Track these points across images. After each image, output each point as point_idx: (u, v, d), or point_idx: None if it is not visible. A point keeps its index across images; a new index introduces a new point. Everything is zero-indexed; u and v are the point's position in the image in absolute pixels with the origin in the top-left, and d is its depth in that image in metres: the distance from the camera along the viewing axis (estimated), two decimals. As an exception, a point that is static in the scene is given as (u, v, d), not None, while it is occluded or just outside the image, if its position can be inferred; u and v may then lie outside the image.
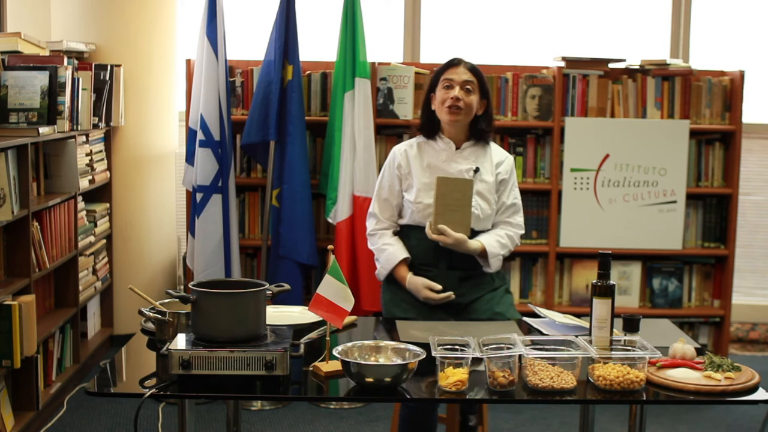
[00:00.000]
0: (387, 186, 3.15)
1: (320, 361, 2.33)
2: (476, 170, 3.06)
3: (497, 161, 3.13)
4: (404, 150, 3.14)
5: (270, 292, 2.34)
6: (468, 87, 3.02)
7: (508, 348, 2.24)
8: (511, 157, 3.20)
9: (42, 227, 3.75)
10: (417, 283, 3.02)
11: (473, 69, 3.06)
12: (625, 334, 2.44)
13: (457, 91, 3.01)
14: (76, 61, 4.22)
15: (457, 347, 2.25)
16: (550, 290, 4.63)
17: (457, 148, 3.10)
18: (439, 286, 3.00)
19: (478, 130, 3.10)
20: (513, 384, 2.19)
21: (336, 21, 4.35)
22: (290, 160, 4.24)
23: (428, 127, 3.13)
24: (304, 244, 4.29)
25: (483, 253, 3.03)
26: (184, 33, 5.01)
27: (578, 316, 2.86)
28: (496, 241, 3.07)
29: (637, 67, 4.58)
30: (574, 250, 4.57)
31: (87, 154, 4.34)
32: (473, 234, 3.04)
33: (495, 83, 4.50)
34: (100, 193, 4.65)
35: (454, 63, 3.07)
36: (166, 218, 4.99)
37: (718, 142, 4.62)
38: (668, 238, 4.56)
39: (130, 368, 2.51)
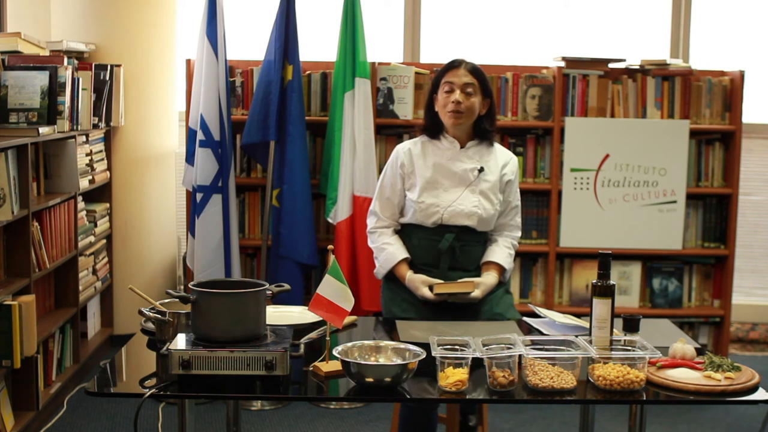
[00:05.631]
0: (389, 185, 3.14)
1: (320, 361, 2.33)
2: (480, 170, 3.06)
3: (503, 162, 3.13)
4: (408, 148, 3.13)
5: (270, 292, 2.34)
6: (469, 90, 3.01)
7: (508, 348, 2.24)
8: (515, 158, 3.20)
9: (42, 227, 3.75)
10: (416, 281, 3.01)
11: (473, 70, 3.05)
12: (625, 334, 2.44)
13: (457, 95, 3.00)
14: (76, 61, 4.22)
15: (457, 347, 2.25)
16: (550, 290, 4.62)
17: (462, 147, 3.10)
18: (438, 281, 2.99)
19: (482, 130, 3.10)
20: (513, 384, 2.19)
21: (336, 21, 4.35)
22: (290, 160, 4.24)
23: (432, 128, 3.13)
24: (304, 244, 4.29)
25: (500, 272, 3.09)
26: (184, 33, 5.01)
27: (578, 316, 2.86)
28: (508, 254, 3.11)
29: (637, 67, 4.58)
30: (574, 250, 4.57)
31: (87, 154, 4.34)
32: (477, 235, 3.07)
33: (495, 83, 4.49)
34: (100, 193, 4.65)
35: (454, 65, 3.06)
36: (166, 218, 4.99)
37: (718, 142, 4.62)
38: (668, 238, 4.55)
39: (130, 368, 2.51)
